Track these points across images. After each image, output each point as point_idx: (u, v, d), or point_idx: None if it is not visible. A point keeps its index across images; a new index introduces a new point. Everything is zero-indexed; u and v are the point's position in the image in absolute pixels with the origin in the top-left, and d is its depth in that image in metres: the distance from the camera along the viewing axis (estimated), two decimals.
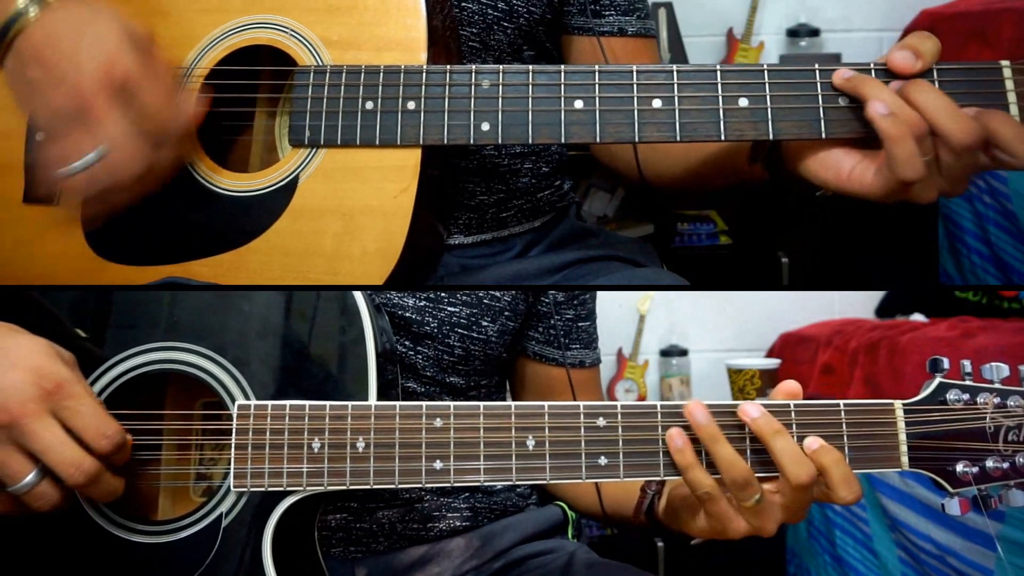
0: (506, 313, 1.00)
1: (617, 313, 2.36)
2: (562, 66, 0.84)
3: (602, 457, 0.76)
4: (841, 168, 0.81)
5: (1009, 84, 0.79)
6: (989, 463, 0.77)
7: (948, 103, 0.75)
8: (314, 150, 0.87)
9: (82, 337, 0.80)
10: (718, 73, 0.81)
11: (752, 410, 0.75)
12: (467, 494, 0.99)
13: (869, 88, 0.77)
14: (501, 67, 0.84)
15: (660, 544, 2.02)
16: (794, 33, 2.39)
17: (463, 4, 1.00)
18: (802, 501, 0.75)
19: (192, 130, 0.87)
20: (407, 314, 0.94)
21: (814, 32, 2.38)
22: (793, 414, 0.76)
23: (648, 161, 1.04)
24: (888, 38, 2.38)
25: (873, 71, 0.79)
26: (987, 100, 0.78)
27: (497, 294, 0.99)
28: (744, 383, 2.04)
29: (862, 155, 0.80)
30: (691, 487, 0.75)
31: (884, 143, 0.76)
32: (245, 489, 0.76)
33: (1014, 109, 0.78)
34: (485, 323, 0.98)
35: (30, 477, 0.70)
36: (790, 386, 0.78)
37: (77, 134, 0.77)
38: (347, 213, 0.85)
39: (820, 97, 0.80)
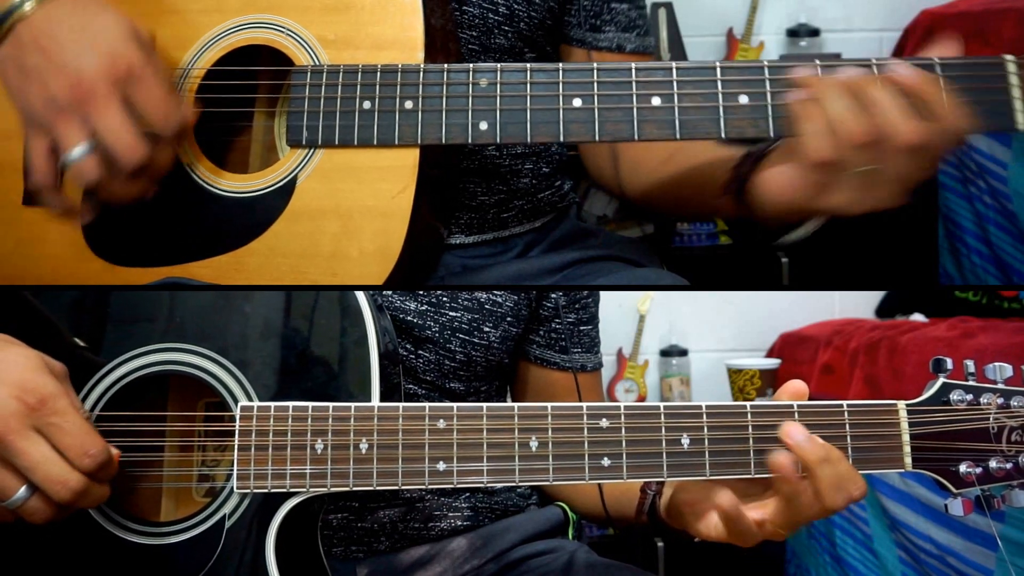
0: (508, 318, 1.00)
1: (617, 313, 2.36)
2: (560, 64, 0.83)
3: (605, 458, 0.75)
4: (782, 178, 0.81)
5: (1013, 79, 0.78)
6: (992, 464, 0.77)
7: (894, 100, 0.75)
8: (312, 150, 0.86)
9: (81, 346, 0.79)
10: (718, 70, 0.81)
11: (797, 434, 0.74)
12: (468, 494, 0.99)
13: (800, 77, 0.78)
14: (499, 65, 0.83)
15: (660, 544, 2.02)
16: (794, 33, 2.39)
17: (464, 8, 1.00)
18: (799, 521, 0.75)
19: (188, 131, 0.87)
20: (408, 318, 0.94)
21: (814, 32, 2.38)
22: (796, 415, 0.76)
23: (623, 175, 1.05)
24: (888, 38, 2.38)
25: (875, 67, 0.78)
26: (989, 95, 0.78)
27: (499, 299, 0.99)
28: (744, 383, 2.03)
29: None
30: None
31: (794, 124, 0.77)
32: (248, 490, 0.76)
33: (1018, 104, 0.78)
34: (487, 328, 0.98)
35: (20, 492, 0.69)
36: (796, 387, 0.78)
37: (70, 123, 0.77)
38: (345, 214, 0.85)
39: None
